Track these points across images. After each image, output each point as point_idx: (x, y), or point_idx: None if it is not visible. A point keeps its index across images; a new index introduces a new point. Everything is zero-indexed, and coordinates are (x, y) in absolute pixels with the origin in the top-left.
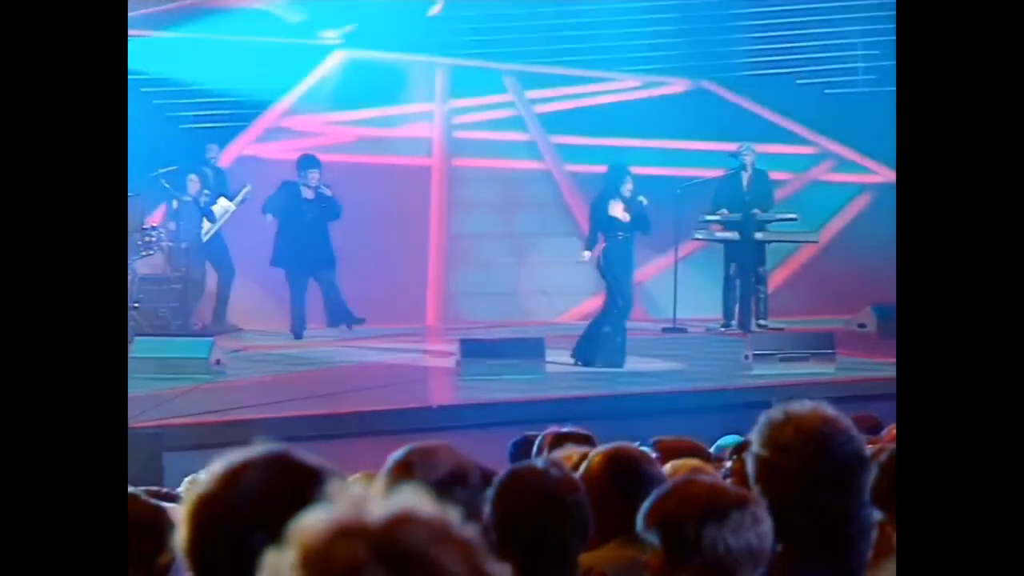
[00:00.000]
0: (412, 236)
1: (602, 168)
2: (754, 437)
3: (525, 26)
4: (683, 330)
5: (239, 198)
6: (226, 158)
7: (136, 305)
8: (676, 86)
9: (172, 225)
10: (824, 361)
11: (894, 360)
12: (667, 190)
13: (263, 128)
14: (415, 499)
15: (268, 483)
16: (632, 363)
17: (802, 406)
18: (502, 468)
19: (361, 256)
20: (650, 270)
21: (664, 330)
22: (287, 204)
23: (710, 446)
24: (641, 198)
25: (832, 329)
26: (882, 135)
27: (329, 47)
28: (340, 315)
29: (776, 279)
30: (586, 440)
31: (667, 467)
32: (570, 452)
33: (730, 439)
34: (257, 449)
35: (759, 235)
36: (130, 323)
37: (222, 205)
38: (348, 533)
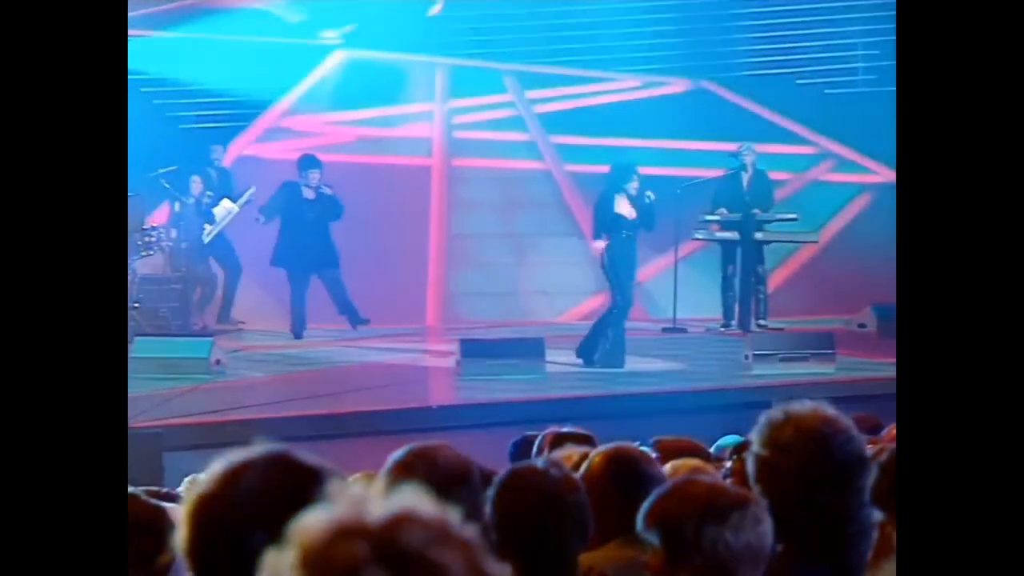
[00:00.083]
0: (412, 236)
1: (602, 168)
2: (754, 437)
3: (525, 26)
4: (683, 330)
5: (243, 200)
6: (226, 158)
7: (136, 305)
8: (676, 86)
9: (174, 231)
10: (824, 361)
11: (894, 360)
12: (667, 190)
13: (263, 128)
14: (415, 499)
15: (268, 483)
16: (632, 363)
17: (802, 406)
18: (502, 468)
19: (361, 256)
20: (650, 270)
21: (664, 330)
22: (288, 204)
23: (710, 446)
24: (648, 193)
25: (832, 329)
26: (882, 135)
27: (329, 47)
28: (346, 312)
29: (776, 279)
30: (586, 440)
31: (667, 467)
32: (570, 452)
33: (730, 439)
34: (257, 449)
35: (759, 235)
36: (130, 323)
37: (225, 206)
38: (348, 533)
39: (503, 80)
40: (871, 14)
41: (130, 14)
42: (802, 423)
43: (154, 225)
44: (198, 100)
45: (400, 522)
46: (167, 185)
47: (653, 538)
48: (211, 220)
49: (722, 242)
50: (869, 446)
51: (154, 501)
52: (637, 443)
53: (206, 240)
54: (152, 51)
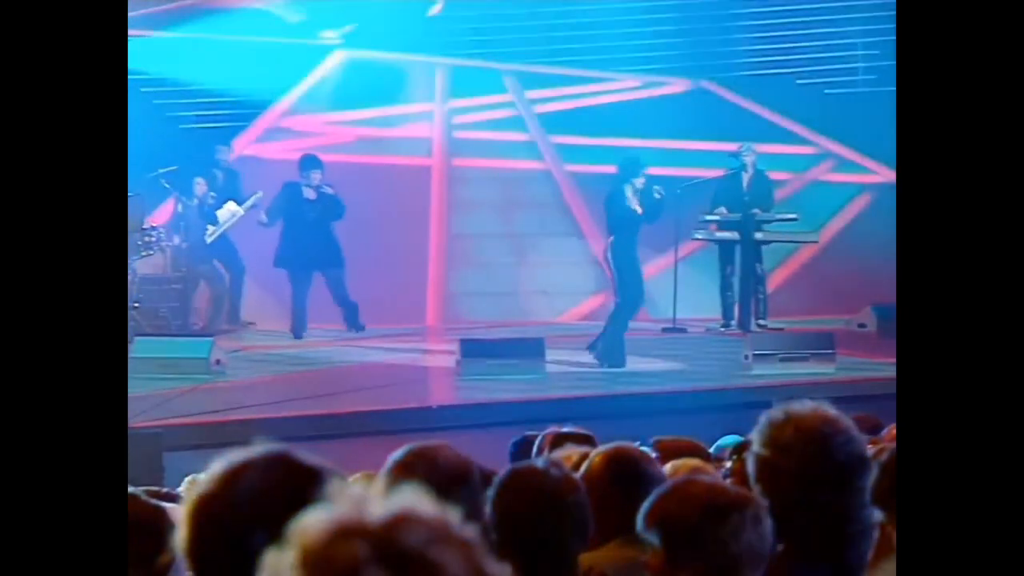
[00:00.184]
0: (412, 236)
1: (601, 168)
2: (755, 437)
3: (525, 26)
4: (683, 330)
5: (248, 204)
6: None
7: (136, 305)
8: (676, 86)
9: (177, 232)
10: (824, 361)
11: (894, 360)
12: (667, 190)
13: (263, 128)
14: (415, 499)
15: (268, 483)
16: (632, 363)
17: (803, 406)
18: (502, 468)
19: (361, 256)
20: (650, 270)
21: (664, 330)
22: (289, 205)
23: (710, 446)
24: (657, 189)
25: (832, 329)
26: (882, 135)
27: (329, 47)
28: (344, 313)
29: (776, 279)
30: (586, 440)
31: (667, 467)
32: (570, 452)
33: (730, 439)
34: (257, 449)
35: (759, 235)
36: (130, 323)
37: (229, 209)
38: (348, 533)
39: (503, 80)
40: (871, 14)
41: (130, 14)
42: (802, 423)
43: (154, 225)
44: (198, 100)
45: (400, 522)
46: (167, 185)
47: (653, 538)
48: (214, 221)
49: (721, 242)
50: (869, 446)
51: (154, 501)
52: (637, 443)
53: (208, 241)
54: (152, 51)
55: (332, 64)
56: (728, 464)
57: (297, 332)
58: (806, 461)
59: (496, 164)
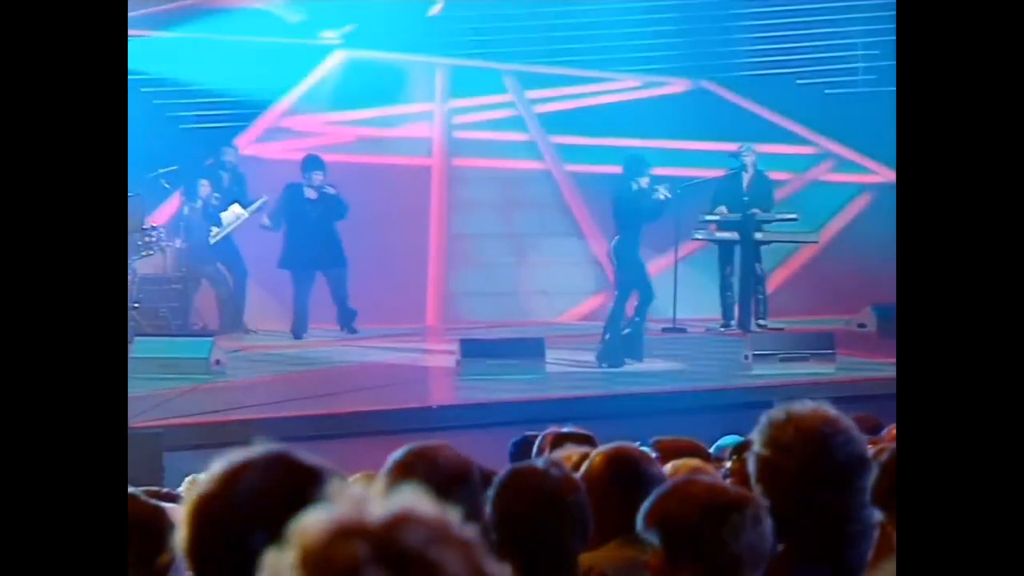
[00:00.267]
0: (412, 236)
1: (601, 168)
2: (756, 437)
3: (525, 26)
4: (683, 330)
5: (253, 208)
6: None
7: (136, 305)
8: (676, 86)
9: (178, 238)
10: (824, 361)
11: (894, 360)
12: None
13: (263, 128)
14: (415, 499)
15: (268, 483)
16: (632, 363)
17: (803, 406)
18: (502, 468)
19: (361, 256)
20: (650, 270)
21: (664, 330)
22: (291, 205)
23: (710, 446)
24: (662, 189)
25: (832, 329)
26: (882, 135)
27: (329, 47)
28: (340, 315)
29: (776, 279)
30: (586, 440)
31: (667, 467)
32: (570, 452)
33: (730, 439)
34: (257, 449)
35: (759, 235)
36: (130, 323)
37: (234, 212)
38: (348, 533)
39: (503, 80)
40: (871, 14)
41: (130, 14)
42: (803, 423)
43: (154, 225)
44: (198, 100)
45: (400, 522)
46: (167, 185)
47: (653, 538)
48: (218, 223)
49: (721, 242)
50: (869, 446)
51: (153, 501)
52: (637, 443)
53: (212, 242)
54: (152, 51)
55: (332, 64)
56: (728, 464)
57: (297, 332)
58: (806, 461)
59: (496, 164)
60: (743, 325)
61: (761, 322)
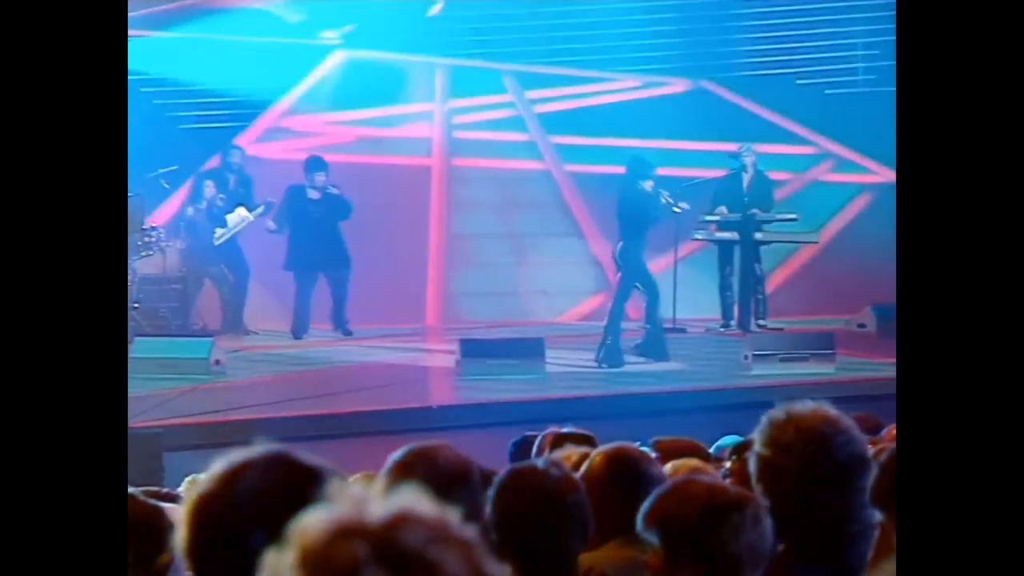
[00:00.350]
0: (412, 236)
1: (601, 168)
2: (756, 437)
3: (525, 26)
4: (683, 330)
5: (258, 211)
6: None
7: (136, 305)
8: (676, 86)
9: (179, 239)
10: (824, 361)
11: (894, 360)
12: (667, 190)
13: (263, 128)
14: (415, 499)
15: (268, 483)
16: (632, 363)
17: (804, 406)
18: (502, 468)
19: (361, 256)
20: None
21: (664, 330)
22: (293, 206)
23: (710, 446)
24: (666, 196)
25: (832, 329)
26: (882, 135)
27: (329, 47)
28: (336, 317)
29: (776, 279)
30: (586, 440)
31: (667, 467)
32: (570, 452)
33: (730, 439)
34: (257, 449)
35: (759, 235)
36: (130, 323)
37: (240, 214)
38: (348, 533)
39: (503, 80)
40: (871, 14)
41: (130, 14)
42: (803, 423)
43: (154, 225)
44: (198, 100)
45: (400, 522)
46: (167, 185)
47: (653, 538)
48: (222, 224)
49: (721, 242)
50: (869, 446)
51: (152, 501)
52: (637, 443)
53: (217, 243)
54: (152, 51)
55: (332, 64)
56: (727, 464)
57: (297, 333)
58: (807, 461)
59: (496, 164)
60: (743, 325)
61: (761, 322)
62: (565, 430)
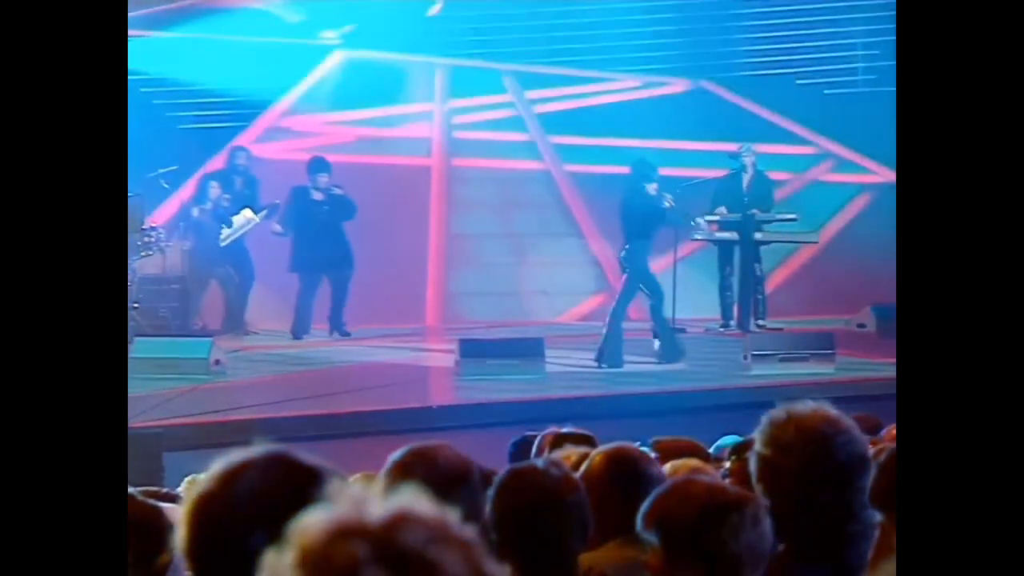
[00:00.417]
0: (412, 236)
1: (600, 168)
2: (757, 436)
3: (525, 26)
4: (682, 330)
5: (264, 213)
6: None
7: (136, 305)
8: (676, 86)
9: (186, 240)
10: (823, 361)
11: (894, 360)
12: (667, 190)
13: (263, 128)
14: (415, 499)
15: (268, 483)
16: (632, 363)
17: (805, 406)
18: (502, 468)
19: (360, 256)
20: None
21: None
22: (299, 208)
23: (710, 446)
24: (668, 197)
25: (832, 329)
26: (882, 135)
27: (329, 47)
28: (334, 319)
29: (776, 279)
30: (586, 440)
31: (667, 467)
32: (569, 452)
33: (729, 439)
34: (257, 449)
35: (759, 235)
36: (130, 323)
37: (246, 215)
38: (347, 533)
39: (503, 80)
40: (871, 14)
41: (130, 14)
42: (804, 423)
43: (154, 225)
44: (198, 100)
45: (399, 522)
46: (166, 185)
47: (652, 538)
48: (228, 225)
49: (721, 242)
50: (869, 446)
51: (151, 501)
52: (637, 443)
53: (222, 244)
54: (152, 51)
55: (332, 64)
56: (727, 464)
57: (297, 333)
58: (807, 461)
59: (496, 164)
60: (742, 325)
61: (760, 322)
62: (565, 430)
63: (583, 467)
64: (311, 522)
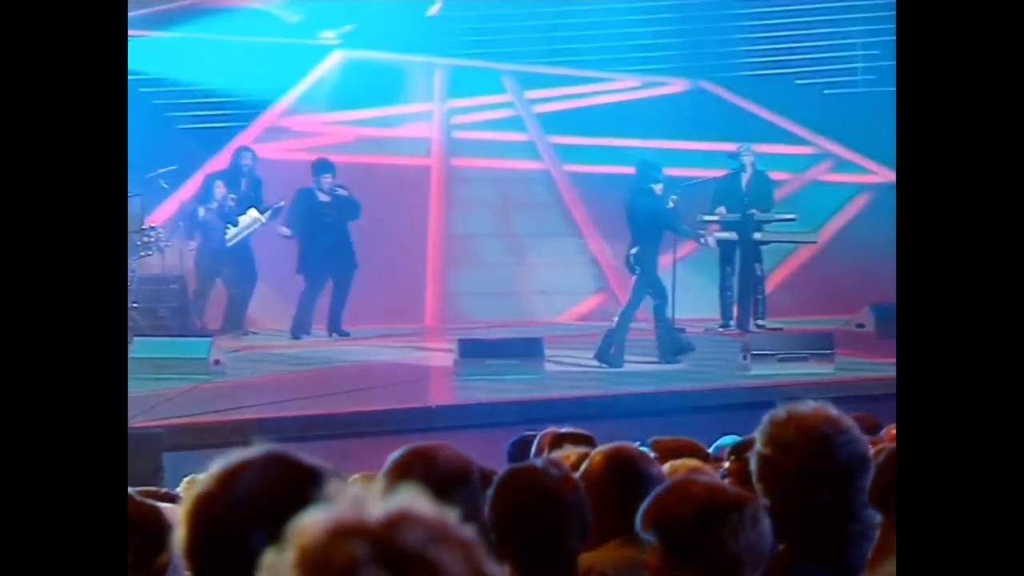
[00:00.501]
0: (411, 236)
1: (600, 168)
2: (757, 436)
3: (525, 26)
4: (682, 330)
5: (269, 213)
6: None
7: (136, 305)
8: (676, 86)
9: (192, 240)
10: (823, 361)
11: (893, 360)
12: (667, 190)
13: (263, 128)
14: (414, 499)
15: (267, 483)
16: (632, 363)
17: (805, 406)
18: (502, 468)
19: (360, 256)
20: None
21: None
22: (304, 210)
23: (709, 446)
24: (673, 200)
25: (831, 329)
26: (882, 135)
27: (328, 47)
28: (333, 321)
29: (775, 279)
30: (585, 440)
31: (666, 467)
32: (569, 452)
33: (729, 439)
34: (256, 449)
35: (758, 235)
36: (129, 323)
37: (252, 215)
38: (347, 533)
39: (502, 80)
40: (871, 14)
41: (130, 14)
42: (804, 422)
43: (154, 225)
44: (198, 100)
45: (399, 522)
46: (166, 185)
47: (652, 538)
48: (233, 224)
49: (720, 242)
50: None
51: (149, 501)
52: (636, 443)
53: (229, 244)
54: (152, 51)
55: (331, 64)
56: (726, 464)
57: (297, 333)
58: (807, 460)
59: (495, 164)
60: (742, 325)
61: (760, 322)
62: (564, 430)
63: (583, 467)
64: (311, 522)
